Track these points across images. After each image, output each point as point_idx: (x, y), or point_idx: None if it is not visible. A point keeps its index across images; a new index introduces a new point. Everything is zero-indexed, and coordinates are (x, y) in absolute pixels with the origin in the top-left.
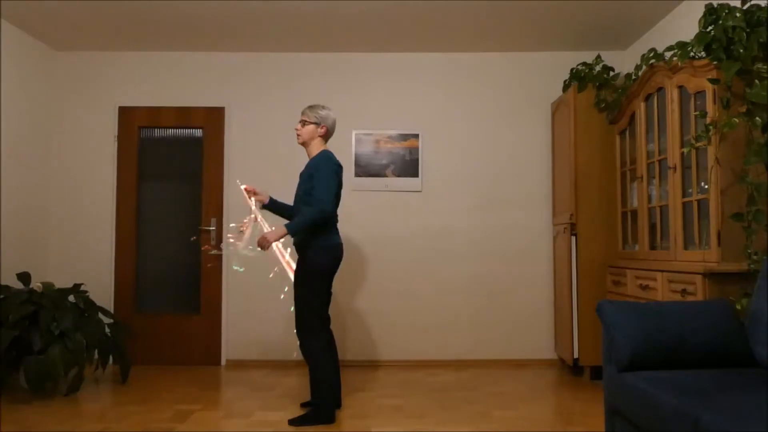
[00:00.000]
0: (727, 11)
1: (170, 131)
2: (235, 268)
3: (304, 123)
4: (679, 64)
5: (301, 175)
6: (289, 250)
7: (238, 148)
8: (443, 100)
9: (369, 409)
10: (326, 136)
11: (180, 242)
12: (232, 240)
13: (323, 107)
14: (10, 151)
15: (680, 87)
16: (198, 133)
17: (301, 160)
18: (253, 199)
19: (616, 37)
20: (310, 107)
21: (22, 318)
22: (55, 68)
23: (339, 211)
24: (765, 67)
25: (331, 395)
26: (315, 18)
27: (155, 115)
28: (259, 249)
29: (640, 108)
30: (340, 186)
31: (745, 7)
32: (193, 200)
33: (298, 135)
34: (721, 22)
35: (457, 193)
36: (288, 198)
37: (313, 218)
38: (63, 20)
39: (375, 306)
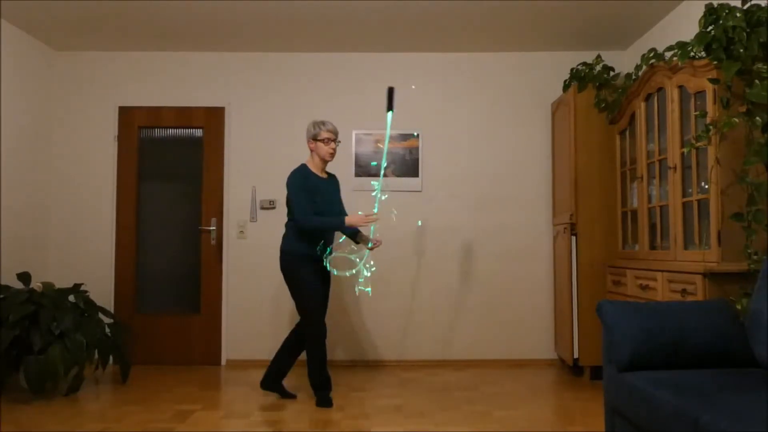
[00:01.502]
0: (727, 11)
1: (170, 131)
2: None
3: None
4: (679, 64)
5: (332, 185)
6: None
7: (238, 148)
8: (443, 100)
9: (369, 409)
10: None
11: (180, 242)
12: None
13: None
14: (10, 151)
15: (680, 87)
16: (198, 133)
17: (301, 161)
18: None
19: (616, 37)
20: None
21: (22, 318)
22: (55, 68)
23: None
24: (765, 67)
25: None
26: (315, 18)
27: (155, 115)
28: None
29: (640, 108)
30: None
31: (745, 7)
32: (193, 200)
33: (334, 154)
34: (721, 22)
35: (457, 193)
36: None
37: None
38: (63, 20)
39: (375, 306)
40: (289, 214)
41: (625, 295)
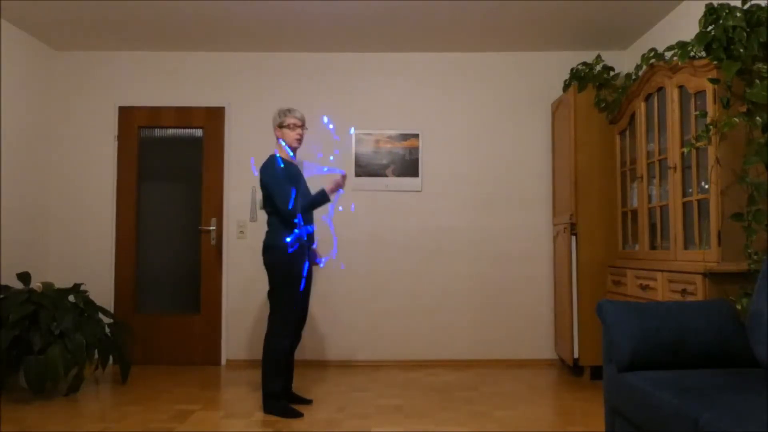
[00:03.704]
0: (727, 11)
1: (170, 131)
2: None
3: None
4: (679, 63)
5: (299, 169)
6: None
7: (238, 148)
8: (443, 100)
9: (369, 409)
10: None
11: (180, 242)
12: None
13: None
14: (10, 151)
15: (680, 87)
16: (198, 133)
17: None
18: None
19: (616, 37)
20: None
21: (22, 318)
22: (55, 68)
23: (338, 211)
24: (765, 66)
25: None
26: (315, 18)
27: (155, 115)
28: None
29: (640, 108)
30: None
31: (745, 7)
32: (193, 200)
33: (301, 140)
34: (721, 21)
35: (457, 193)
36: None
37: None
38: (63, 20)
39: (375, 306)
40: (268, 207)
41: (625, 295)
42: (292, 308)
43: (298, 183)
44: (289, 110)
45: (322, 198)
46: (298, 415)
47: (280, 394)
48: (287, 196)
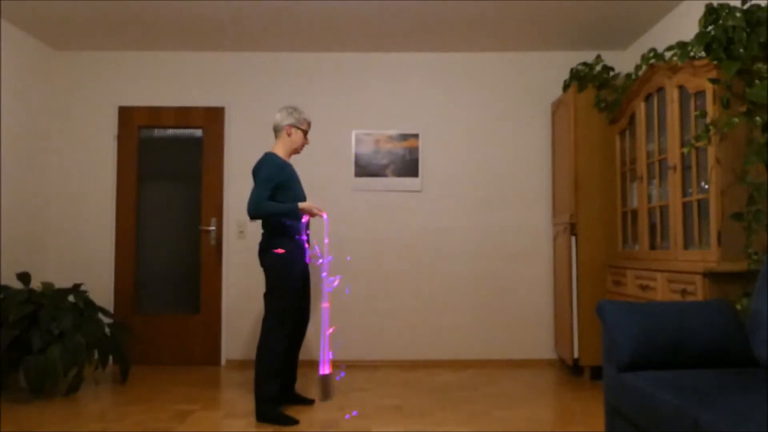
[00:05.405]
0: (727, 11)
1: (170, 131)
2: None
3: None
4: (679, 63)
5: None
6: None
7: (238, 148)
8: (443, 100)
9: (369, 409)
10: None
11: (180, 242)
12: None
13: None
14: (10, 151)
15: (680, 87)
16: (198, 133)
17: (299, 161)
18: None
19: (616, 37)
20: None
21: (22, 318)
22: (55, 68)
23: (338, 210)
24: (765, 66)
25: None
26: (315, 18)
27: (155, 115)
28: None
29: (640, 108)
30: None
31: (745, 7)
32: (193, 200)
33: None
34: (721, 21)
35: (457, 193)
36: None
37: None
38: (63, 20)
39: (375, 306)
40: None
41: (625, 295)
42: (289, 310)
43: (294, 183)
44: (303, 113)
45: (291, 212)
46: (294, 422)
47: (275, 398)
48: (259, 194)
